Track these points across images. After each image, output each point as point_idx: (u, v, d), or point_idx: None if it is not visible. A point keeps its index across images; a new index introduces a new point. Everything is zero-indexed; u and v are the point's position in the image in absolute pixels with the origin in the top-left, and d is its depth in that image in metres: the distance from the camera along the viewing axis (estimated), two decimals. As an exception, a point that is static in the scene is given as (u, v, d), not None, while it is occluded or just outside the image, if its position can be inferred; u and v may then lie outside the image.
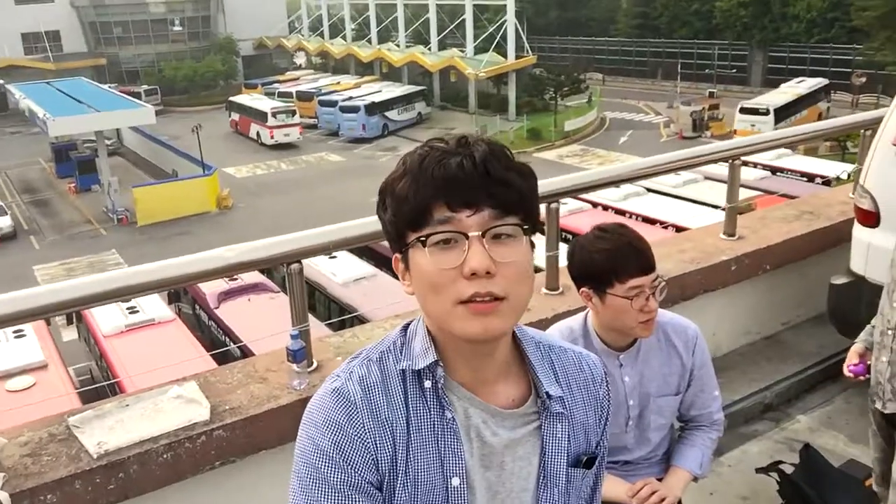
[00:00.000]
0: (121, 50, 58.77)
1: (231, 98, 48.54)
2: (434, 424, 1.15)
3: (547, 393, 1.20)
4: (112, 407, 2.61)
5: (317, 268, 15.68)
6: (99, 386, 12.39)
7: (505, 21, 46.97)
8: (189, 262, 2.71)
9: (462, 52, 49.75)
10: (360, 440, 1.12)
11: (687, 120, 40.98)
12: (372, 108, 42.97)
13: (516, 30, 46.90)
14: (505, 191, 1.08)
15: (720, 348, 4.23)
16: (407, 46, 53.90)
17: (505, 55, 47.36)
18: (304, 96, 47.75)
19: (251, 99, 47.05)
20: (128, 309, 14.31)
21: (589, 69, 53.90)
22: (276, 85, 52.76)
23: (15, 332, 13.54)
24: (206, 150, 33.30)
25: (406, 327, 1.23)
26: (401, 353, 1.19)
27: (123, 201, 30.60)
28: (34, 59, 55.05)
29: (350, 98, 44.52)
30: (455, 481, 1.15)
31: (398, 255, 1.15)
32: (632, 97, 52.37)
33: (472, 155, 1.08)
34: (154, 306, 14.50)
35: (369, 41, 57.03)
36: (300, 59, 67.39)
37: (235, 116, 46.21)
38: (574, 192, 3.67)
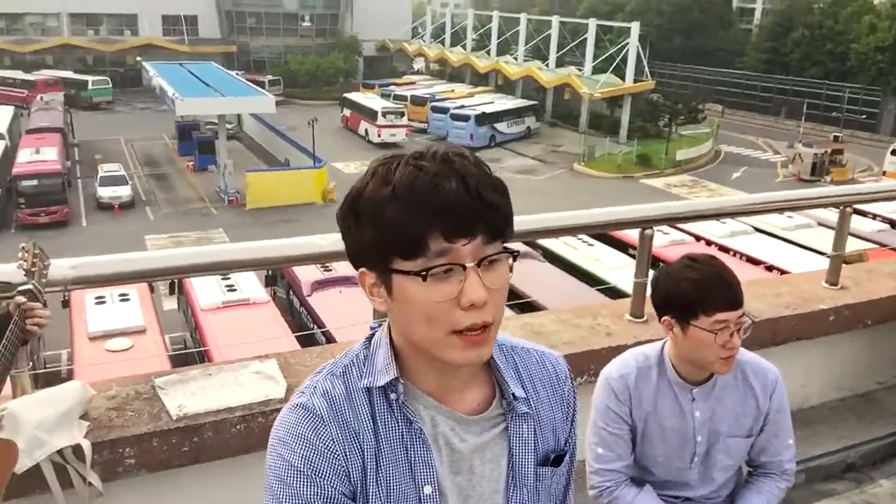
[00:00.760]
0: (251, 40, 61.40)
1: (345, 94, 49.91)
2: (402, 435, 1.16)
3: (513, 394, 1.21)
4: (196, 374, 2.75)
5: None
6: (190, 355, 12.97)
7: (627, 44, 46.37)
8: (284, 246, 2.82)
9: (579, 70, 49.44)
10: (329, 453, 1.12)
11: (807, 162, 39.26)
12: (482, 119, 43.29)
13: (637, 53, 46.20)
14: (495, 215, 1.07)
15: (809, 400, 4.05)
16: (525, 60, 54.03)
17: (623, 77, 46.75)
18: (418, 101, 48.56)
19: (364, 97, 48.25)
20: (226, 286, 14.91)
21: (708, 100, 52.52)
22: (392, 87, 53.85)
23: (120, 295, 14.35)
24: (318, 143, 34.33)
25: (371, 338, 1.23)
26: (364, 367, 1.19)
27: (236, 184, 31.93)
28: (171, 41, 58.23)
29: (462, 106, 45.02)
30: (427, 489, 1.16)
31: (370, 272, 1.12)
32: (751, 133, 50.65)
33: (463, 178, 1.05)
34: (251, 287, 15.06)
35: (488, 52, 57.46)
36: (419, 63, 68.64)
37: (347, 112, 47.50)
38: (670, 221, 3.61)
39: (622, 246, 16.78)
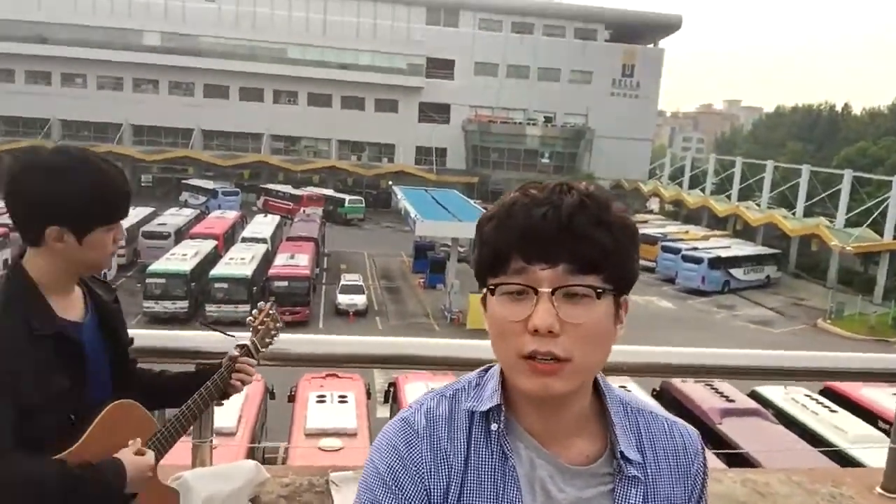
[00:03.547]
0: (493, 172, 64.76)
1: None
2: (495, 469, 1.13)
3: (622, 453, 1.15)
4: (371, 475, 2.64)
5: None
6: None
7: (887, 198, 42.65)
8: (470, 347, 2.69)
9: (830, 222, 46.08)
10: (414, 468, 1.13)
11: None
12: (716, 262, 41.41)
13: (900, 208, 42.27)
14: (586, 247, 1.06)
15: None
16: (768, 207, 51.56)
17: (881, 233, 42.76)
18: (649, 239, 47.73)
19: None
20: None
21: None
22: (623, 224, 53.61)
23: (340, 396, 15.00)
24: (544, 272, 34.67)
25: (487, 369, 1.23)
26: (473, 393, 1.19)
27: (459, 303, 32.93)
28: (420, 169, 63.15)
29: (695, 249, 43.53)
30: None
31: (483, 296, 1.16)
32: None
33: (558, 206, 1.07)
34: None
35: (728, 197, 55.72)
36: (653, 204, 68.12)
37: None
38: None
39: (871, 417, 14.79)
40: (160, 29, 60.60)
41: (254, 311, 2.17)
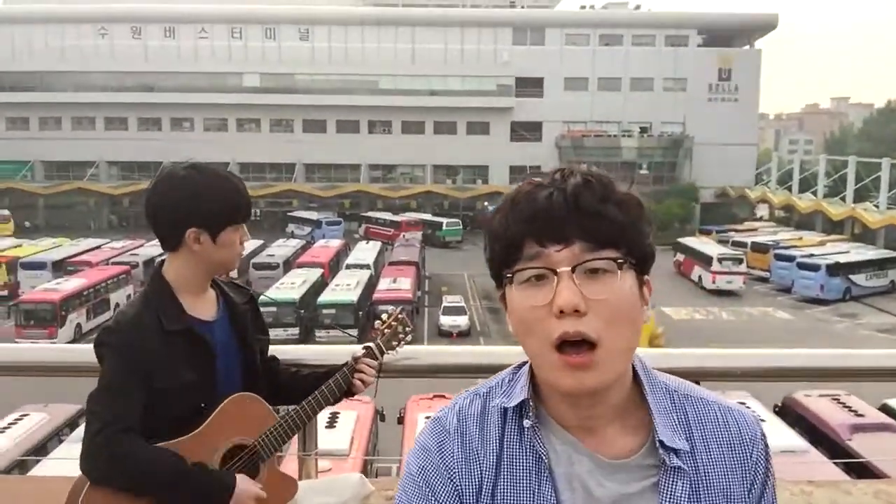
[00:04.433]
0: (588, 187, 64.05)
1: (679, 239, 48.99)
2: (529, 466, 1.10)
3: (662, 442, 1.08)
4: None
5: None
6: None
7: None
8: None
9: (960, 219, 43.02)
10: (445, 468, 1.12)
11: None
12: (835, 269, 39.20)
13: None
14: (598, 224, 1.05)
15: None
16: (888, 208, 48.59)
17: None
18: (760, 248, 45.93)
19: (699, 243, 47.08)
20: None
21: None
22: (731, 233, 51.82)
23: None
24: (647, 286, 33.87)
25: (521, 366, 1.19)
26: (505, 389, 1.17)
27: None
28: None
29: (811, 255, 41.41)
30: None
31: (501, 294, 1.13)
32: None
33: (563, 188, 1.07)
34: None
35: (842, 199, 52.90)
36: (762, 210, 65.48)
37: (680, 258, 46.46)
38: None
39: None
40: (259, 70, 63.41)
41: (383, 315, 2.27)
